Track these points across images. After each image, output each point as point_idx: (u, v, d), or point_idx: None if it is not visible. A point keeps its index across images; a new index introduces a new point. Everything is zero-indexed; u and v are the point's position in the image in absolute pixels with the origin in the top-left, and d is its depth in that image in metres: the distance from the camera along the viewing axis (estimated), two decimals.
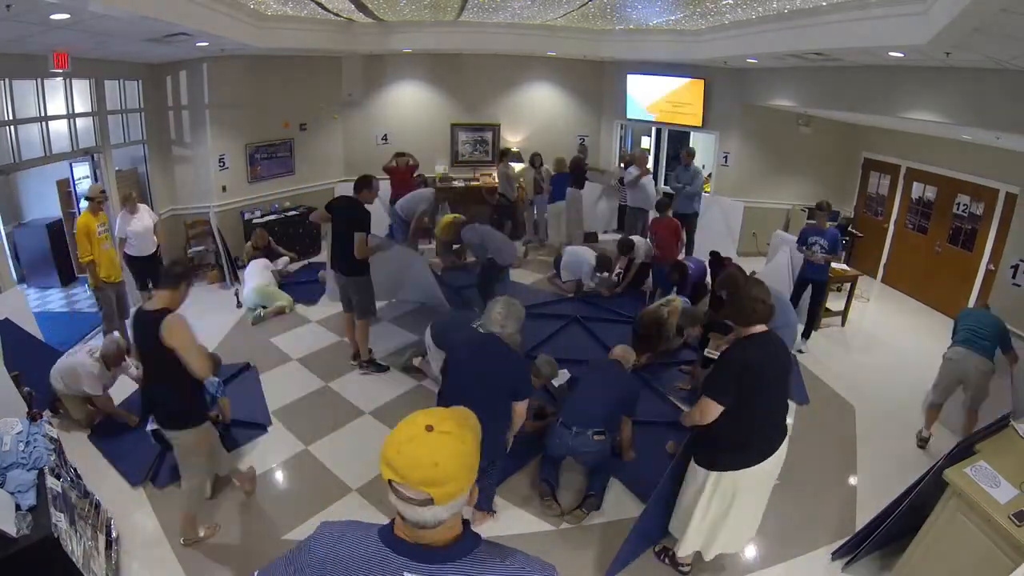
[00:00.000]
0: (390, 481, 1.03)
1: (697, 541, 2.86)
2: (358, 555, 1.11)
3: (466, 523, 1.15)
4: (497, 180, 8.42)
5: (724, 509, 2.68)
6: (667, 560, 3.12)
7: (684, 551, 2.93)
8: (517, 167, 8.57)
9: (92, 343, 4.20)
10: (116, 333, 4.53)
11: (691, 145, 8.36)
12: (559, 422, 3.57)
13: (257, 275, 6.23)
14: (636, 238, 6.96)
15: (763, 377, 2.49)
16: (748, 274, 4.25)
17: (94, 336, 5.32)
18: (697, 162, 8.89)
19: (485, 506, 3.40)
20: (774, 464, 2.64)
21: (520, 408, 2.91)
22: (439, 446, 1.03)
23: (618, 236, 8.08)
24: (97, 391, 4.03)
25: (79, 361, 4.01)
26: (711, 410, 2.48)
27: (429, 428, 1.04)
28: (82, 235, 4.86)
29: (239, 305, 6.30)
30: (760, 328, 2.52)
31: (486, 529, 3.34)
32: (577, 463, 3.71)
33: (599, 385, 3.70)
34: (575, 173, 7.99)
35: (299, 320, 6.02)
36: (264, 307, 6.02)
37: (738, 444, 2.57)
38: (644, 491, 3.68)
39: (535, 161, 8.33)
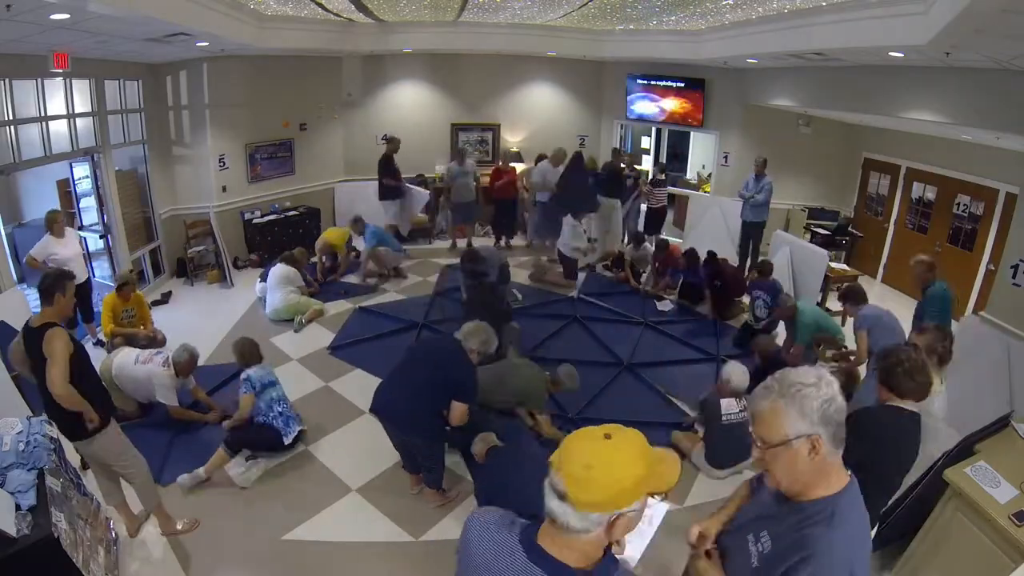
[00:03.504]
0: (550, 463, 1.05)
1: None
2: (491, 542, 1.14)
3: (607, 552, 1.10)
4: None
5: None
6: None
7: None
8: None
9: (163, 355, 4.17)
10: (188, 343, 4.33)
11: (690, 146, 8.34)
12: None
13: (278, 287, 5.96)
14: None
15: None
16: None
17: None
18: (697, 162, 8.90)
19: (436, 485, 3.50)
20: None
21: (459, 408, 3.13)
22: (602, 453, 1.03)
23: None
24: (172, 401, 4.10)
25: (154, 372, 4.04)
26: None
27: (607, 436, 1.05)
28: (107, 310, 4.94)
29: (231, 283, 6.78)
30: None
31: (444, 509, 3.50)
32: None
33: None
34: (610, 181, 7.75)
35: None
36: (301, 315, 5.88)
37: None
38: None
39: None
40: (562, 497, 1.01)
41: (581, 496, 1.00)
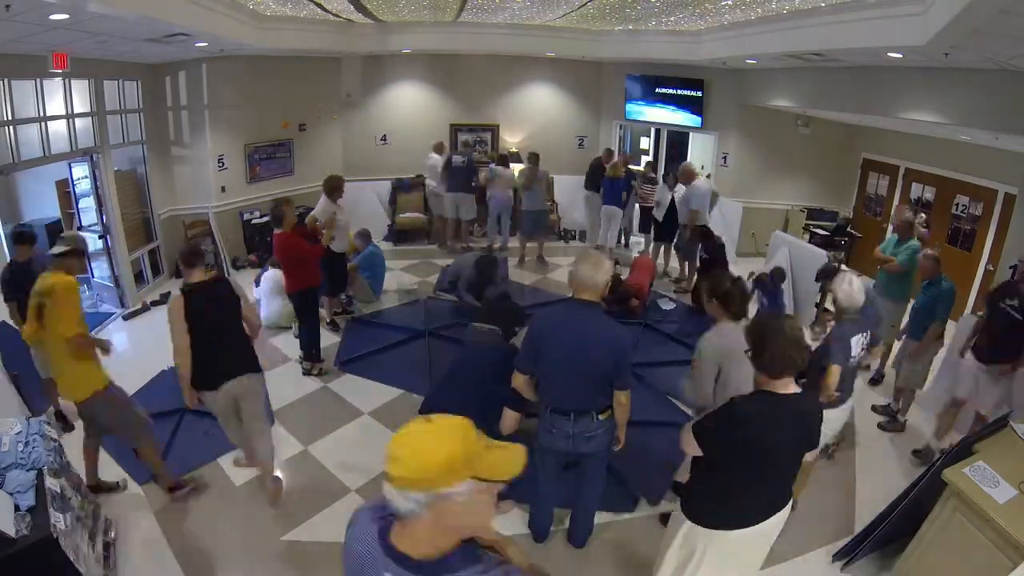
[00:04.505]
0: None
1: None
2: (356, 540, 1.17)
3: (467, 545, 1.10)
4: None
5: (695, 565, 2.26)
6: None
7: None
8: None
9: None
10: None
11: (689, 146, 8.33)
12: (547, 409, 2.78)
13: (274, 296, 5.67)
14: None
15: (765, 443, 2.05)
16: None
17: None
18: (696, 163, 8.88)
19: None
20: (761, 533, 2.21)
21: (510, 416, 3.17)
22: (415, 432, 1.06)
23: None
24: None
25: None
26: (691, 444, 2.16)
27: (428, 420, 1.09)
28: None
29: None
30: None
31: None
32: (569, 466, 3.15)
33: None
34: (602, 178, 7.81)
35: None
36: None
37: (717, 500, 2.19)
38: (648, 493, 3.69)
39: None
40: (387, 478, 1.04)
41: (393, 471, 1.02)
